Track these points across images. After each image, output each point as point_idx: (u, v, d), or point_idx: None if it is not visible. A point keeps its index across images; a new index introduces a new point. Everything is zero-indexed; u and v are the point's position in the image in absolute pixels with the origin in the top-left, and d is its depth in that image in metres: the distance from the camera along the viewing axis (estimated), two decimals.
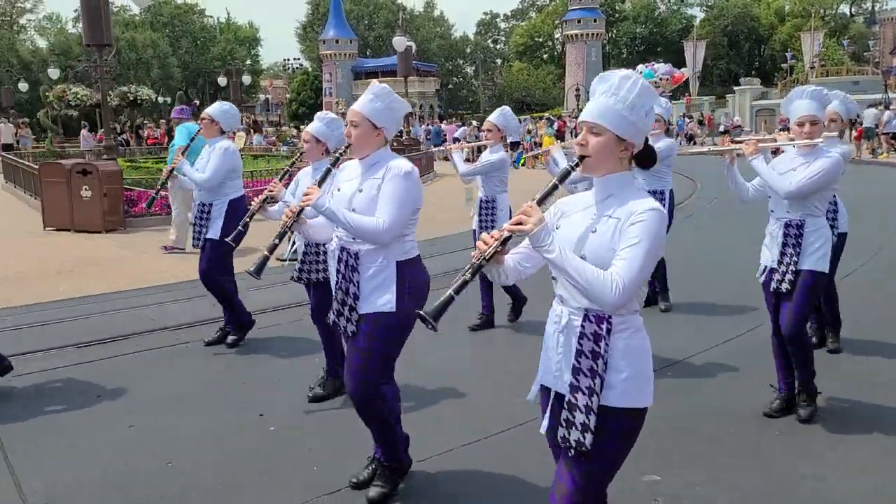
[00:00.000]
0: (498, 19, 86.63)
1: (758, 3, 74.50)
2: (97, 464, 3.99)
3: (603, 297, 2.16)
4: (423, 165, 21.69)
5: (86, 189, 12.09)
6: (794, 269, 4.11)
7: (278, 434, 4.35)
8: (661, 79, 45.06)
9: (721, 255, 9.40)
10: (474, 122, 35.66)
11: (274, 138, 34.29)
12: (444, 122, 43.77)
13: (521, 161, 25.27)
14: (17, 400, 4.97)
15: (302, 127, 28.34)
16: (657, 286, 6.88)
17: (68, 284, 8.43)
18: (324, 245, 4.29)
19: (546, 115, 41.24)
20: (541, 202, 2.25)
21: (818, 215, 4.14)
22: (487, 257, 2.24)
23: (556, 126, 31.05)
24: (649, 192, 6.40)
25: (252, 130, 25.85)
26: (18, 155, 22.77)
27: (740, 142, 4.51)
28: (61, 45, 65.61)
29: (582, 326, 2.29)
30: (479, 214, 6.19)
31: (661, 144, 6.13)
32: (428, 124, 41.22)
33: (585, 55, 63.83)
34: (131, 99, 20.73)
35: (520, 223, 2.21)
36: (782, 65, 59.78)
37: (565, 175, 2.28)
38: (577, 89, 54.99)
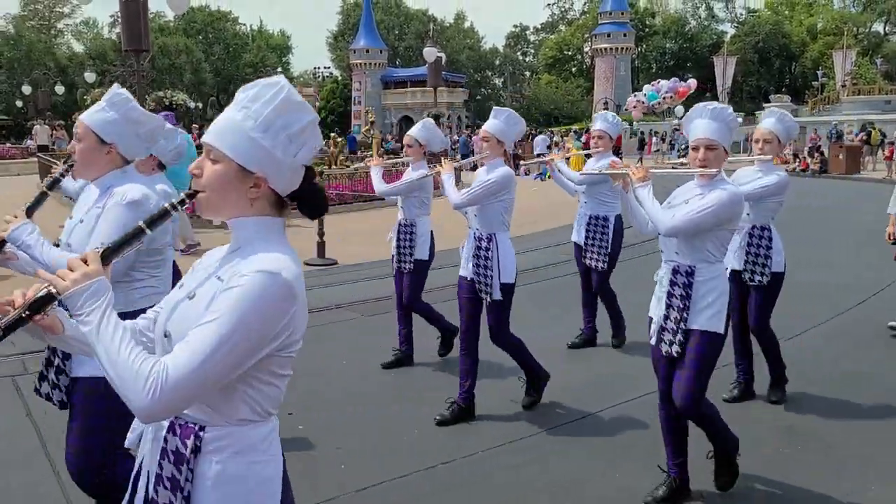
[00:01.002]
0: (527, 32, 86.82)
1: (790, 20, 73.90)
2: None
3: (132, 400, 1.44)
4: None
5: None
6: (683, 327, 3.35)
7: (307, 432, 4.46)
8: (664, 97, 44.90)
9: None
10: None
11: None
12: (473, 132, 43.88)
13: (548, 174, 25.20)
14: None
15: (332, 135, 28.64)
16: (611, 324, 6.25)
17: None
18: None
19: (573, 127, 41.30)
20: (111, 252, 1.59)
21: (713, 261, 3.38)
22: (4, 326, 1.54)
23: (583, 139, 31.01)
24: (591, 217, 5.88)
25: None
26: (54, 156, 23.23)
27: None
28: (97, 49, 66.96)
29: (165, 440, 1.58)
30: (397, 240, 5.51)
31: (603, 163, 5.56)
32: (457, 135, 41.38)
33: (614, 69, 63.70)
34: (167, 104, 21.08)
35: (62, 278, 1.53)
36: (813, 82, 59.18)
37: (163, 216, 1.62)
38: (606, 103, 54.91)
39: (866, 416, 4.76)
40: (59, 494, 3.73)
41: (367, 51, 66.33)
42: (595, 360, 5.95)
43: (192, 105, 37.55)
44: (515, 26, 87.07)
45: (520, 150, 33.72)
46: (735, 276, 4.61)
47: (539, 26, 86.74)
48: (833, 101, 44.44)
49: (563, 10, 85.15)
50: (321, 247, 10.06)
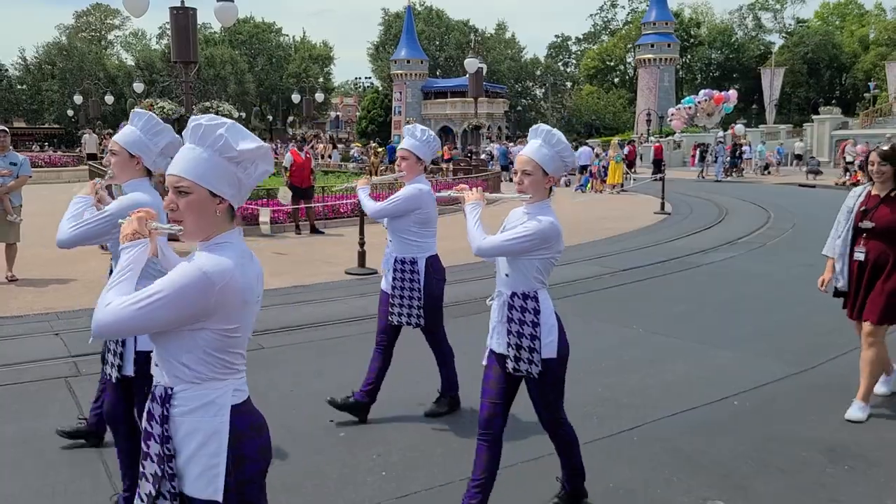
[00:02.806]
0: (569, 42, 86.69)
1: (840, 31, 72.65)
2: None
3: None
4: (490, 187, 21.81)
5: (164, 199, 12.54)
6: (172, 490, 2.07)
7: (347, 440, 4.50)
8: (700, 101, 44.53)
9: (787, 287, 9.23)
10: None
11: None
12: (512, 143, 43.91)
13: (588, 185, 25.13)
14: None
15: (373, 145, 28.88)
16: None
17: None
18: None
19: (616, 138, 40.84)
20: None
21: (197, 382, 2.07)
22: None
23: (626, 150, 30.78)
24: (396, 260, 4.48)
25: (332, 146, 26.35)
26: (103, 164, 23.82)
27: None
28: (145, 60, 68.68)
29: None
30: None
31: (402, 193, 4.57)
32: (495, 145, 41.43)
33: (658, 80, 63.19)
34: (213, 114, 21.58)
35: None
36: (865, 94, 58.02)
37: None
38: (648, 114, 54.47)
39: None
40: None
41: (408, 61, 66.91)
42: (634, 373, 5.88)
43: (237, 115, 38.32)
44: (557, 36, 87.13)
45: None
46: (498, 360, 3.43)
47: (581, 36, 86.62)
48: (885, 114, 43.43)
49: (605, 20, 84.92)
50: (362, 256, 10.14)
